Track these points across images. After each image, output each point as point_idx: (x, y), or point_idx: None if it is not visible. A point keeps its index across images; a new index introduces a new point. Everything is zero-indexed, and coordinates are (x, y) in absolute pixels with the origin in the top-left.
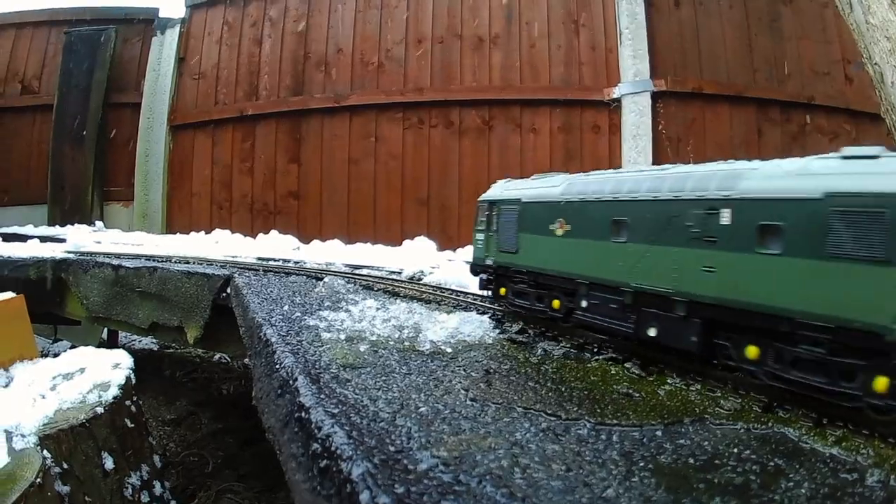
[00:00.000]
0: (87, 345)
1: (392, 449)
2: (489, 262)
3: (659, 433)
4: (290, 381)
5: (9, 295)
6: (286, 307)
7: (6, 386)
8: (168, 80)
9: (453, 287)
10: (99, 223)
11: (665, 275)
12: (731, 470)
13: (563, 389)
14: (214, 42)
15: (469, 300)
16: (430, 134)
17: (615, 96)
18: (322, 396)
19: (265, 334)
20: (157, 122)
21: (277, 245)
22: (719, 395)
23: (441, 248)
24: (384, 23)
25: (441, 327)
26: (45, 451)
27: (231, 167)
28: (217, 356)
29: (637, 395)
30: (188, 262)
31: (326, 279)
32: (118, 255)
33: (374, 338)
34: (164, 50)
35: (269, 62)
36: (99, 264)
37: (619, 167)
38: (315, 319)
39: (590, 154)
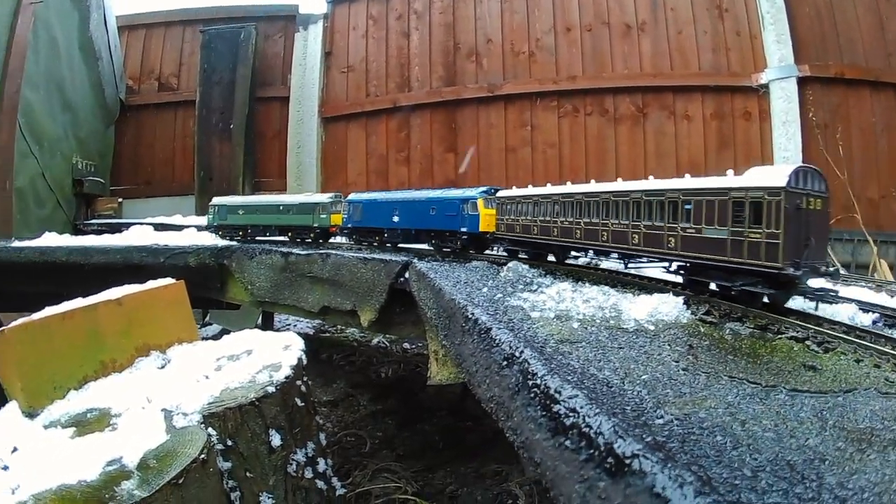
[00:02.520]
0: (242, 328)
1: (629, 408)
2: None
3: (840, 399)
4: (517, 354)
5: (169, 281)
6: (484, 290)
7: (162, 367)
8: (315, 73)
9: (629, 272)
10: None
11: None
12: None
13: (757, 362)
14: (360, 36)
15: (652, 284)
16: (585, 122)
17: (763, 82)
18: (553, 366)
19: (472, 314)
20: (308, 114)
21: None
22: (885, 370)
23: None
24: (531, 12)
25: (639, 308)
26: (209, 429)
27: (387, 157)
28: (376, 340)
29: (819, 367)
30: (360, 249)
31: (511, 264)
32: (284, 242)
33: (580, 316)
34: (308, 45)
35: (419, 54)
36: (267, 251)
37: (772, 154)
38: (517, 300)
39: (742, 141)
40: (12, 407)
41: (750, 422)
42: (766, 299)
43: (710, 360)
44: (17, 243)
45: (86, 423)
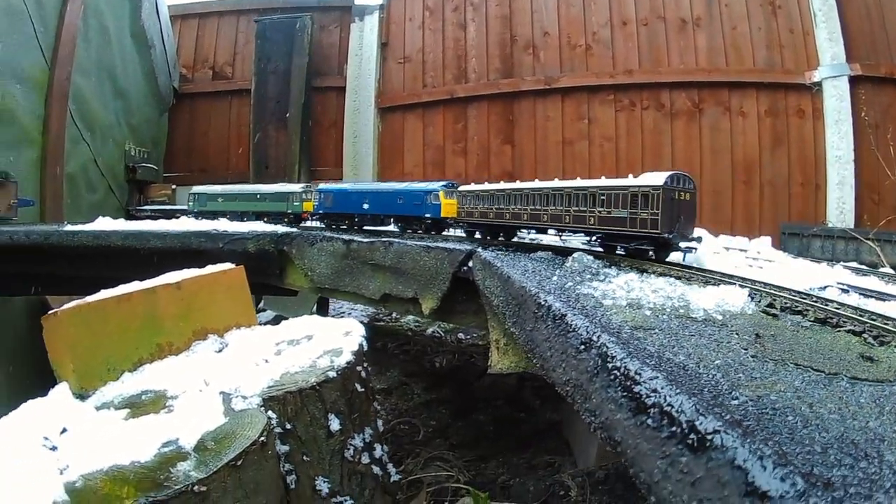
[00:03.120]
0: (297, 315)
1: (706, 390)
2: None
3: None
4: (594, 339)
5: (228, 266)
6: (554, 278)
7: (219, 351)
8: (372, 64)
9: (692, 264)
10: None
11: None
12: None
13: (820, 351)
14: (417, 27)
15: (716, 277)
16: (641, 116)
17: (816, 80)
18: (631, 350)
19: (545, 301)
20: (364, 104)
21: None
22: None
23: None
24: (587, 5)
25: (706, 298)
26: (269, 412)
27: (444, 148)
28: (430, 329)
29: (875, 358)
30: (422, 238)
31: (576, 254)
32: (345, 230)
33: (650, 305)
34: (364, 36)
35: (476, 45)
36: (328, 238)
37: (824, 153)
38: (587, 289)
39: (796, 139)
40: (62, 388)
41: (816, 405)
42: (651, 255)
43: (776, 348)
44: (69, 227)
45: (140, 405)
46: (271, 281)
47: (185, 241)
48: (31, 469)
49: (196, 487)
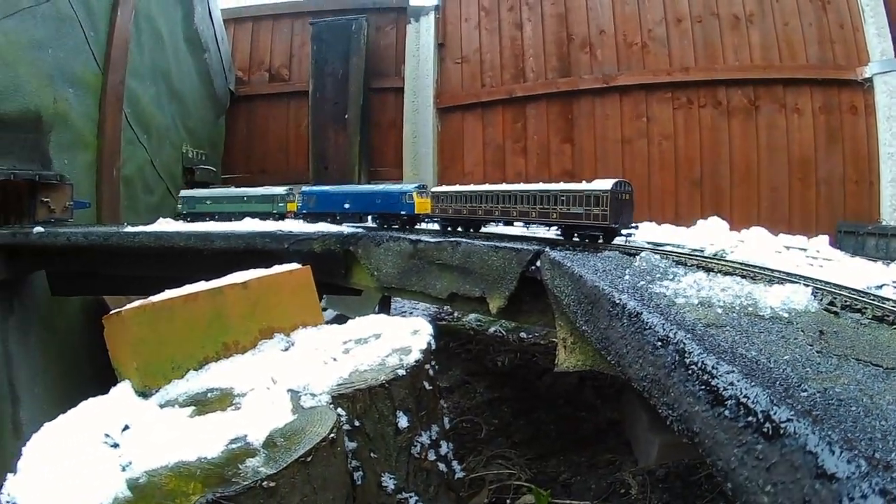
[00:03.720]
0: (359, 314)
1: (777, 383)
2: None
3: None
4: (671, 336)
5: (295, 266)
6: (626, 277)
7: (286, 350)
8: (429, 64)
9: (757, 264)
10: None
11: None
12: None
13: (878, 347)
14: (473, 27)
15: (780, 275)
16: (699, 114)
17: (866, 76)
18: (707, 346)
19: (620, 300)
20: (423, 104)
21: None
22: None
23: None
24: (642, 3)
25: (772, 297)
26: (338, 409)
27: (503, 148)
28: (492, 329)
29: None
30: (489, 238)
31: (643, 254)
32: (411, 230)
33: (720, 304)
34: (421, 36)
35: (533, 45)
36: (395, 238)
37: (877, 150)
38: (659, 288)
39: (850, 136)
40: (124, 386)
41: (876, 396)
42: (601, 240)
43: (839, 344)
44: (129, 228)
45: (206, 403)
46: (336, 280)
47: (249, 241)
48: (92, 465)
49: (265, 483)
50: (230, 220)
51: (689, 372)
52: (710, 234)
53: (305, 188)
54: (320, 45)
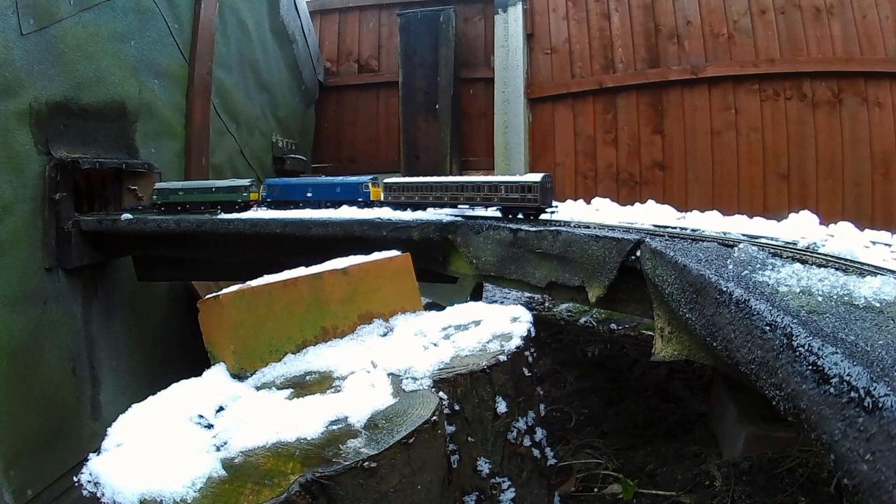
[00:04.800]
0: (453, 302)
1: (875, 363)
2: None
3: None
4: (778, 320)
5: (395, 253)
6: (730, 267)
7: (384, 335)
8: (519, 55)
9: (846, 257)
10: None
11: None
12: None
13: None
14: (561, 18)
15: (870, 268)
16: (785, 106)
17: None
18: (811, 330)
19: (726, 287)
20: (514, 95)
21: (657, 214)
22: None
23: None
24: None
25: (865, 288)
26: (440, 393)
27: (594, 138)
28: (583, 319)
29: None
30: (588, 227)
31: (741, 246)
32: (511, 220)
33: (819, 293)
34: (509, 27)
35: (621, 35)
36: (494, 227)
37: None
38: (761, 277)
39: None
40: (219, 368)
41: None
42: (531, 217)
43: None
44: (224, 215)
45: (305, 385)
46: (434, 268)
47: (347, 229)
48: (183, 444)
49: (366, 464)
50: (199, 209)
51: (797, 354)
52: (798, 226)
53: (270, 179)
54: (409, 35)
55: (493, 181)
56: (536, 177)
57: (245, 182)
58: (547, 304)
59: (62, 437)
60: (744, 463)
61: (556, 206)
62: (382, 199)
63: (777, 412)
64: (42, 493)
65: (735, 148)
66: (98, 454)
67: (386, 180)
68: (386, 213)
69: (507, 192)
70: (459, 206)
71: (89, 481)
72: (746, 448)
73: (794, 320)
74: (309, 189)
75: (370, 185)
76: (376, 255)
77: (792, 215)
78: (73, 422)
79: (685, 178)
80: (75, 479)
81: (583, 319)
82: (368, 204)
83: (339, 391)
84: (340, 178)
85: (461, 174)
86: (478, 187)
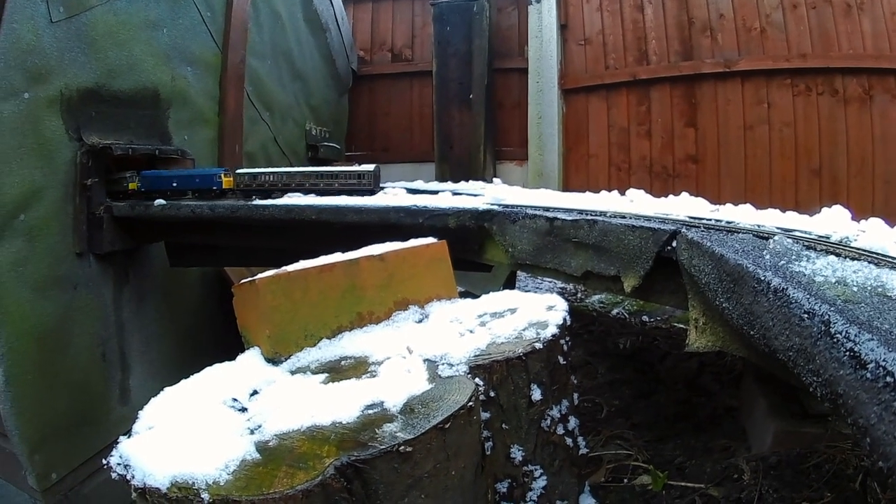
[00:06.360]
0: (486, 291)
1: None
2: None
3: None
4: (816, 309)
5: (431, 240)
6: (767, 257)
7: (420, 321)
8: (553, 46)
9: (878, 251)
10: (496, 180)
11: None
12: None
13: None
14: (595, 9)
15: None
16: (817, 102)
17: None
18: (848, 318)
19: (764, 277)
20: (548, 86)
21: (691, 205)
22: None
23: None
24: None
25: (895, 280)
26: (476, 379)
27: (628, 130)
28: (615, 311)
29: None
30: (624, 217)
31: (776, 238)
32: (547, 208)
33: (854, 284)
34: (543, 18)
35: (655, 27)
36: (531, 216)
37: None
38: (798, 268)
39: None
40: (253, 353)
41: None
42: (366, 196)
43: None
44: (258, 201)
45: (340, 370)
46: (469, 256)
47: (383, 216)
48: (216, 427)
49: (402, 448)
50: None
51: (834, 340)
52: (823, 222)
53: (146, 172)
54: (442, 25)
55: (335, 170)
56: (370, 167)
57: (219, 170)
58: (579, 295)
59: (89, 421)
60: (772, 457)
61: (384, 190)
62: (234, 187)
63: (806, 408)
64: (66, 477)
65: (768, 143)
66: (129, 437)
67: (237, 171)
68: (423, 200)
69: (346, 179)
70: (304, 191)
71: (119, 464)
72: (775, 443)
73: (832, 308)
74: (174, 180)
75: (222, 175)
76: (412, 242)
77: (824, 210)
78: (100, 406)
79: (718, 172)
80: (104, 461)
81: (614, 311)
82: (219, 193)
83: (374, 376)
84: (199, 169)
85: (495, 164)
86: (321, 175)
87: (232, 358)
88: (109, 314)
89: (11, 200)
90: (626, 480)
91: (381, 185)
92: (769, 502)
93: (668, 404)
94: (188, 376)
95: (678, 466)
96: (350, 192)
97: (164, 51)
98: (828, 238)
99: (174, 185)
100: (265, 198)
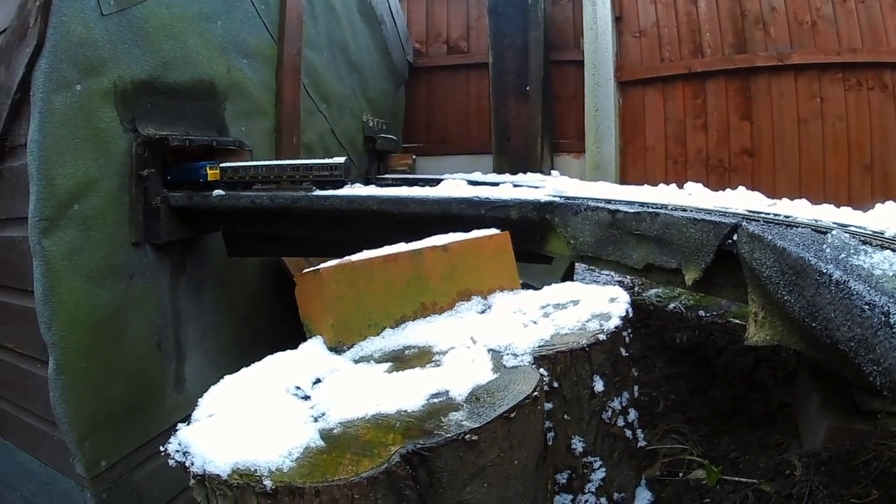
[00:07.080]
0: (545, 283)
1: None
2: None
3: None
4: (876, 300)
5: (494, 231)
6: (827, 251)
7: (482, 312)
8: (608, 38)
9: None
10: (554, 172)
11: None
12: None
13: None
14: (648, 2)
15: None
16: (868, 97)
17: None
18: None
19: (826, 269)
20: (604, 78)
21: (749, 199)
22: None
23: None
24: None
25: None
26: (541, 370)
27: (684, 123)
28: (672, 305)
29: None
30: (685, 210)
31: (834, 232)
32: (608, 201)
33: None
34: (597, 10)
35: (709, 20)
36: (593, 208)
37: None
38: (857, 261)
39: None
40: (316, 341)
41: None
42: (339, 186)
43: None
44: (318, 192)
45: (404, 359)
46: (530, 247)
47: (445, 207)
48: (279, 415)
49: (468, 436)
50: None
51: (894, 330)
52: (876, 218)
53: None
54: (497, 18)
55: (308, 163)
56: (340, 160)
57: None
58: (636, 289)
59: (142, 409)
60: (823, 453)
61: (352, 182)
62: (220, 179)
63: (857, 404)
64: (117, 464)
65: (821, 137)
66: (188, 424)
67: (221, 165)
68: (485, 192)
69: (319, 171)
70: (281, 183)
71: (177, 451)
72: (826, 439)
73: (891, 300)
74: (168, 174)
75: (208, 168)
76: (475, 233)
77: (878, 205)
78: (154, 395)
79: (773, 166)
80: (161, 448)
81: (671, 305)
82: (205, 185)
83: (438, 366)
84: (192, 164)
85: (552, 156)
86: (296, 168)
87: (289, 348)
88: (166, 303)
89: (65, 190)
90: (681, 474)
91: (440, 176)
92: (819, 498)
93: (724, 399)
94: (245, 365)
95: (732, 461)
96: (322, 184)
97: (220, 43)
98: (882, 234)
99: (168, 178)
100: (247, 189)
